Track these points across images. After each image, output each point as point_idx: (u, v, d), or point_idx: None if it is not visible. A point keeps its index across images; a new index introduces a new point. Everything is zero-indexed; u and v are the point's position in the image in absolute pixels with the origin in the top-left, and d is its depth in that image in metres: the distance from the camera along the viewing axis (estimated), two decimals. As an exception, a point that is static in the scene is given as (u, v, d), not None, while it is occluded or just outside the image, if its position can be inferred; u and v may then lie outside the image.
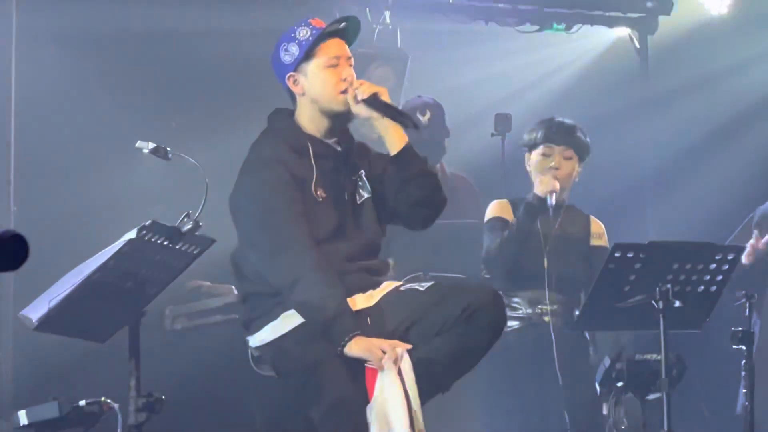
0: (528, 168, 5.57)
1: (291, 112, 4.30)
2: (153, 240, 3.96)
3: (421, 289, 4.17)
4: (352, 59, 4.29)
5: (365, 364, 4.01)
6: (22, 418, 4.22)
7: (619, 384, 4.89)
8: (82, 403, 4.22)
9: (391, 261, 4.76)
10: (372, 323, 4.10)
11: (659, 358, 4.56)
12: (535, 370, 5.38)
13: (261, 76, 4.86)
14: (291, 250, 4.06)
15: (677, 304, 4.52)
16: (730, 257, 4.64)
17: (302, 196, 4.13)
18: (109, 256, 3.92)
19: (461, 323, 4.05)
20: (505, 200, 5.57)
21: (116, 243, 3.93)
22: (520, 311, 5.42)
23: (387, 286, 4.21)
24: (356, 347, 3.99)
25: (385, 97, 4.20)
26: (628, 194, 7.69)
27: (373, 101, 4.17)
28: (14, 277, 5.66)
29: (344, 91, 4.20)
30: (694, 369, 4.98)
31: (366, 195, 4.28)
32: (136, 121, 6.29)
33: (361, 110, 4.19)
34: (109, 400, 4.22)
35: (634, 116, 7.78)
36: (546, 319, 5.39)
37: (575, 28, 7.59)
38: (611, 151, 7.31)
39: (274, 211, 4.11)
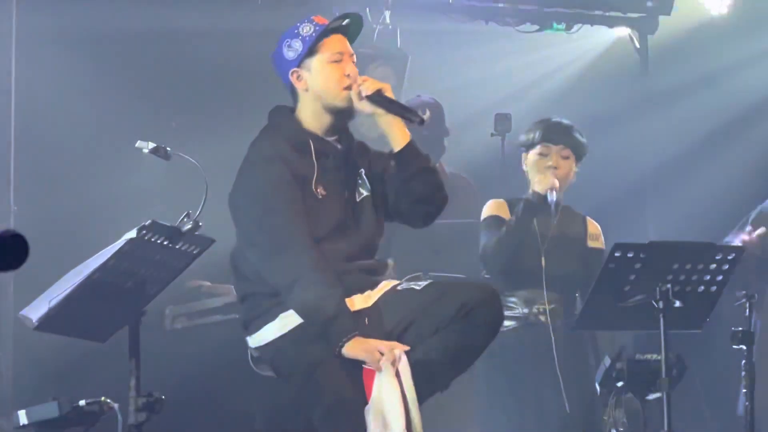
0: (525, 168, 5.58)
1: (291, 110, 4.30)
2: (153, 240, 3.96)
3: (417, 288, 4.17)
4: (355, 56, 4.29)
5: (363, 365, 4.01)
6: (22, 417, 4.22)
7: (619, 384, 4.89)
8: (82, 402, 4.21)
9: (390, 261, 4.75)
10: (370, 324, 4.10)
11: (659, 358, 4.57)
12: (533, 370, 5.38)
13: (261, 76, 4.86)
14: (291, 250, 4.05)
15: (677, 304, 4.53)
16: (730, 257, 4.64)
17: (303, 195, 4.13)
18: (109, 255, 3.92)
19: (458, 321, 4.04)
20: (501, 200, 5.58)
21: (116, 243, 3.93)
22: (517, 311, 5.42)
23: (385, 286, 4.21)
24: (354, 348, 3.99)
25: (389, 94, 4.21)
26: (628, 194, 7.69)
27: (377, 97, 4.18)
28: (14, 277, 5.66)
29: (347, 87, 4.20)
30: (694, 369, 4.98)
31: (365, 193, 4.27)
32: (136, 121, 6.29)
33: (364, 106, 4.19)
34: (109, 400, 4.22)
35: (634, 116, 7.79)
36: (542, 318, 5.39)
37: (575, 28, 7.59)
38: (611, 151, 7.32)
39: (274, 210, 4.10)
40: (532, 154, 5.53)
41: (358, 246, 4.21)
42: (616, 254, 4.53)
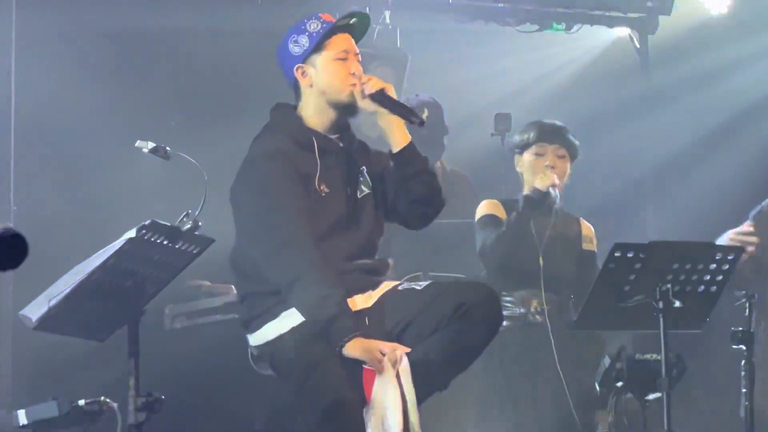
0: (518, 170, 5.59)
1: (293, 107, 4.30)
2: (152, 239, 3.96)
3: (418, 288, 4.17)
4: (360, 55, 4.30)
5: (363, 366, 4.00)
6: (22, 417, 4.22)
7: (619, 384, 4.88)
8: (81, 402, 4.21)
9: (390, 261, 4.75)
10: (370, 324, 4.10)
11: (659, 358, 4.56)
12: (531, 370, 5.38)
13: (261, 75, 4.87)
14: (293, 247, 4.05)
15: (677, 304, 4.52)
16: (730, 257, 4.64)
17: (305, 192, 4.13)
18: (108, 255, 3.91)
19: (456, 320, 4.04)
20: (495, 200, 5.60)
21: (116, 242, 3.93)
22: (514, 311, 5.42)
23: (385, 286, 4.21)
24: (355, 348, 3.97)
25: (392, 94, 4.22)
26: (628, 194, 7.69)
27: (380, 97, 4.19)
28: (14, 277, 5.65)
29: (352, 85, 4.21)
30: (694, 369, 4.98)
31: (366, 190, 4.28)
32: (136, 121, 6.29)
33: (367, 105, 4.19)
34: (108, 400, 4.22)
35: (634, 116, 7.79)
36: (540, 318, 5.39)
37: (575, 28, 7.60)
38: (611, 151, 7.33)
39: (277, 207, 4.09)
40: (528, 155, 5.55)
41: (359, 244, 4.21)
42: (616, 254, 4.53)
